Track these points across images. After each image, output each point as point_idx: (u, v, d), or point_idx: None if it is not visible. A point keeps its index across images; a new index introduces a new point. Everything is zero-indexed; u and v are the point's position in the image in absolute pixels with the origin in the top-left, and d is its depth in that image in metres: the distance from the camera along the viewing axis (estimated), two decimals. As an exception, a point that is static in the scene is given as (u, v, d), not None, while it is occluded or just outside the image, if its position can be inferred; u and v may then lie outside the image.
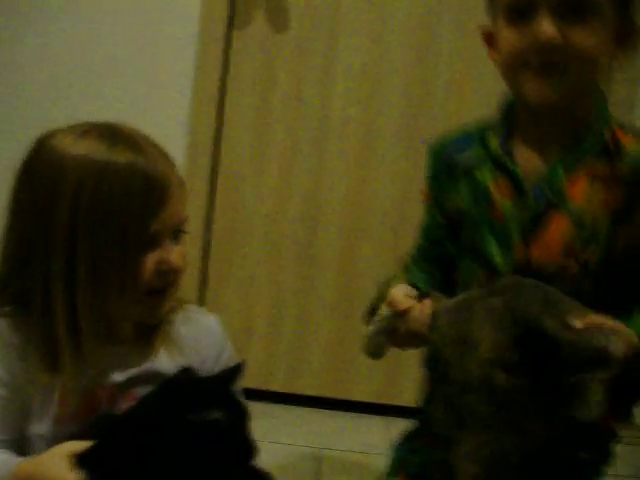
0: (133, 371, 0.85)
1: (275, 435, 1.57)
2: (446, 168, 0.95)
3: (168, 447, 0.74)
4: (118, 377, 0.84)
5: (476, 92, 1.68)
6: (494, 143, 0.90)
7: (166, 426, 0.74)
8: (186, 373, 0.81)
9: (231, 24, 1.75)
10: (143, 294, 0.82)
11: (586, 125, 0.86)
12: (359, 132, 1.78)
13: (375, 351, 0.88)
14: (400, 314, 0.84)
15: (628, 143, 0.85)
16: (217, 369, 0.89)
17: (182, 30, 1.74)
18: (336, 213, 1.80)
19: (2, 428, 0.81)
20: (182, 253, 0.85)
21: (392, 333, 0.85)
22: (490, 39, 0.90)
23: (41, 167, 0.81)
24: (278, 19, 1.76)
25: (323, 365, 1.82)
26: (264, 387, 1.74)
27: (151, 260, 0.81)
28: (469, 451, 0.78)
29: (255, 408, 0.83)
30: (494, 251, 0.89)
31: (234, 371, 0.83)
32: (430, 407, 0.86)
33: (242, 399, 0.83)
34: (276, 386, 1.77)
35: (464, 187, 0.93)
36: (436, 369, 0.83)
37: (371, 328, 0.88)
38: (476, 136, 0.94)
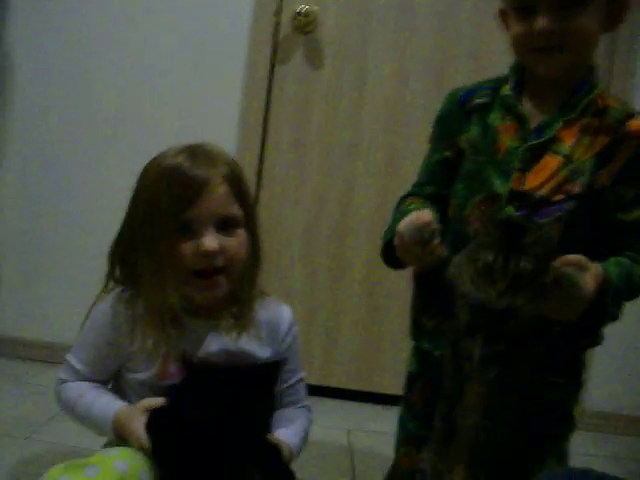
0: (224, 345, 1.00)
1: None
2: (460, 107, 1.03)
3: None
4: (212, 348, 0.99)
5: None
6: (506, 90, 1.00)
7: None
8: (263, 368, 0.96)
9: (273, 62, 1.92)
10: (190, 275, 0.96)
11: (580, 88, 0.96)
12: (385, 156, 1.92)
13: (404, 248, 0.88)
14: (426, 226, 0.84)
15: (611, 103, 0.96)
16: (284, 347, 1.06)
17: (232, 67, 1.93)
18: (364, 228, 1.93)
19: (102, 373, 1.03)
20: (234, 245, 0.97)
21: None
22: (504, 16, 1.00)
23: (141, 175, 1.02)
24: (314, 58, 1.93)
25: (352, 361, 1.97)
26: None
27: (189, 245, 0.94)
28: (470, 404, 0.84)
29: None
30: (494, 177, 0.96)
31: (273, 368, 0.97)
32: (443, 361, 0.89)
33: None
34: (312, 380, 1.92)
35: (475, 124, 1.01)
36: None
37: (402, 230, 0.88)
38: (490, 86, 1.03)
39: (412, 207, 1.00)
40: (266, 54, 1.91)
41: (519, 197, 0.94)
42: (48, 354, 1.95)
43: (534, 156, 0.95)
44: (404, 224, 0.87)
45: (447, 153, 1.05)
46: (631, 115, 0.95)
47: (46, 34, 1.96)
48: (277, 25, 1.91)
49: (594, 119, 0.95)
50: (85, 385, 1.02)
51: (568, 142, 0.94)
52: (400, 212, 1.01)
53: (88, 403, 0.99)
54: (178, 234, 0.95)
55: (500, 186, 0.96)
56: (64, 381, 1.04)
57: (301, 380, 1.11)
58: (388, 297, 1.94)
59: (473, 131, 1.01)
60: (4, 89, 1.98)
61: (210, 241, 0.94)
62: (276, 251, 1.94)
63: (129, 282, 1.03)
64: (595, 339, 0.96)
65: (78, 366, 1.02)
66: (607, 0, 0.93)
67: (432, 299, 0.94)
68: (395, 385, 1.93)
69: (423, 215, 0.86)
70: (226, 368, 0.97)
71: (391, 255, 0.95)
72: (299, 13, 1.88)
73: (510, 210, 0.94)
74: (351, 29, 1.93)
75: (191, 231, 0.95)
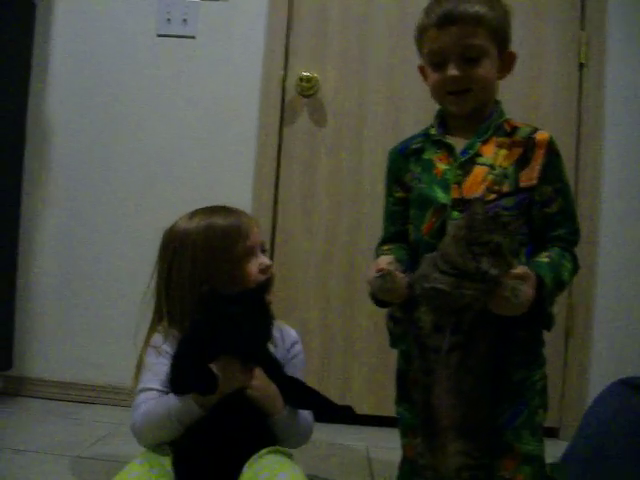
0: None
1: (333, 438, 1.86)
2: (401, 156, 1.28)
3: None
4: None
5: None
6: (434, 132, 1.25)
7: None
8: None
9: (282, 122, 2.16)
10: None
11: (489, 117, 1.21)
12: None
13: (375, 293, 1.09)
14: (384, 274, 1.05)
15: (520, 125, 1.21)
16: (289, 356, 1.31)
17: (245, 129, 2.16)
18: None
19: (162, 383, 1.19)
20: (268, 261, 1.29)
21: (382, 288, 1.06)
22: (423, 70, 1.27)
23: (171, 236, 1.28)
24: (317, 117, 2.16)
25: (367, 387, 2.10)
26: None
27: (254, 263, 1.26)
28: (442, 389, 1.01)
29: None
30: (438, 194, 1.18)
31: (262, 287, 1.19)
32: (412, 360, 1.10)
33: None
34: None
35: (414, 164, 1.25)
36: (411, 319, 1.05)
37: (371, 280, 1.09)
38: (421, 134, 1.28)
39: (379, 254, 1.24)
40: (275, 116, 2.14)
41: (460, 203, 1.16)
42: (90, 395, 2.15)
43: (465, 171, 1.18)
44: (368, 276, 1.11)
45: (398, 193, 1.29)
46: (535, 130, 1.19)
47: (81, 104, 2.22)
48: (283, 91, 2.16)
49: (506, 137, 1.19)
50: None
51: (488, 155, 1.18)
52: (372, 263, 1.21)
53: (167, 398, 1.15)
54: (244, 259, 1.24)
55: (444, 198, 1.18)
56: (140, 405, 1.16)
57: None
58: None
59: (414, 168, 1.25)
60: (43, 152, 2.22)
61: (265, 258, 1.29)
62: (292, 287, 2.12)
63: (172, 318, 1.25)
64: (545, 324, 1.16)
65: (154, 386, 1.17)
66: (497, 56, 1.19)
67: (398, 313, 1.13)
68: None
69: (378, 263, 1.10)
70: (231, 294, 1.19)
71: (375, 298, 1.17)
72: (302, 79, 2.13)
73: (455, 214, 1.15)
74: (348, 90, 2.16)
75: (249, 256, 1.25)
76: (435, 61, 1.20)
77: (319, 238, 2.16)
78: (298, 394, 1.21)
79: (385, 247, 1.29)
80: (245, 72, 2.19)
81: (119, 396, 2.12)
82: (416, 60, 2.30)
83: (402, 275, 1.07)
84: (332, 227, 2.16)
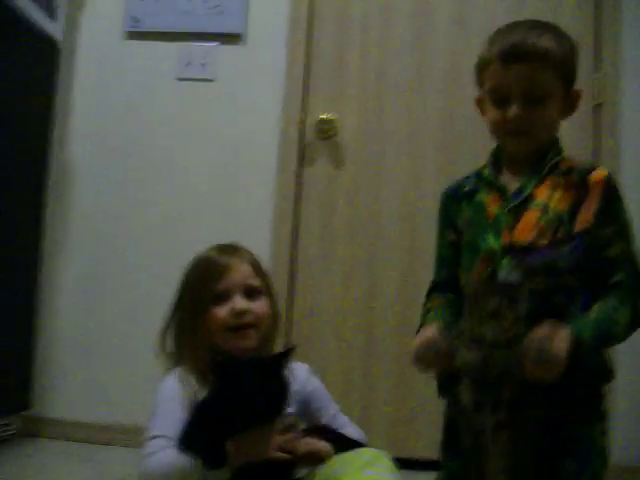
0: None
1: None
2: (453, 199, 1.24)
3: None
4: None
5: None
6: (487, 173, 1.19)
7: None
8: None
9: (301, 164, 2.18)
10: (227, 330, 1.19)
11: (545, 156, 1.13)
12: (403, 242, 2.12)
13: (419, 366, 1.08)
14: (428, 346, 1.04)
15: (575, 164, 1.13)
16: (305, 393, 1.26)
17: (265, 171, 2.18)
18: (390, 305, 2.12)
19: (174, 429, 1.14)
20: (259, 306, 1.22)
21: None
22: (481, 103, 1.19)
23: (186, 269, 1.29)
24: (336, 160, 2.18)
25: (387, 429, 2.10)
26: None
27: (224, 308, 1.19)
28: (493, 465, 0.97)
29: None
30: (490, 240, 1.12)
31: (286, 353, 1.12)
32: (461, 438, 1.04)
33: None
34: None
35: (466, 207, 1.20)
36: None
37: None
38: (473, 174, 1.23)
39: (429, 316, 1.20)
40: (294, 158, 2.17)
41: (511, 249, 1.10)
42: (109, 436, 2.15)
43: (517, 215, 1.12)
44: (415, 346, 1.08)
45: (450, 237, 1.24)
46: (593, 168, 1.13)
47: (101, 146, 2.26)
48: (302, 133, 2.18)
49: (561, 178, 1.12)
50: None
51: (541, 197, 1.11)
52: (420, 324, 1.20)
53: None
54: (212, 303, 1.20)
55: (494, 244, 1.12)
56: (154, 453, 1.11)
57: (339, 411, 1.30)
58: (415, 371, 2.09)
59: (466, 212, 1.20)
60: (64, 196, 2.26)
61: (240, 302, 1.21)
62: (312, 331, 2.12)
63: (177, 353, 1.25)
64: (600, 376, 1.09)
65: (164, 432, 1.13)
66: (564, 95, 1.13)
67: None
68: (429, 450, 2.05)
69: (426, 333, 1.07)
70: (246, 360, 1.15)
71: None
72: (321, 121, 2.16)
73: (506, 262, 1.09)
74: (367, 132, 2.19)
75: (224, 299, 1.20)
76: (497, 97, 1.14)
77: (337, 281, 2.17)
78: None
79: (435, 301, 1.24)
80: (264, 114, 2.21)
81: (139, 437, 2.11)
82: (434, 103, 2.32)
83: (446, 345, 1.04)
84: (350, 270, 2.17)
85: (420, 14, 2.22)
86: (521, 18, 1.20)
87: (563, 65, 1.12)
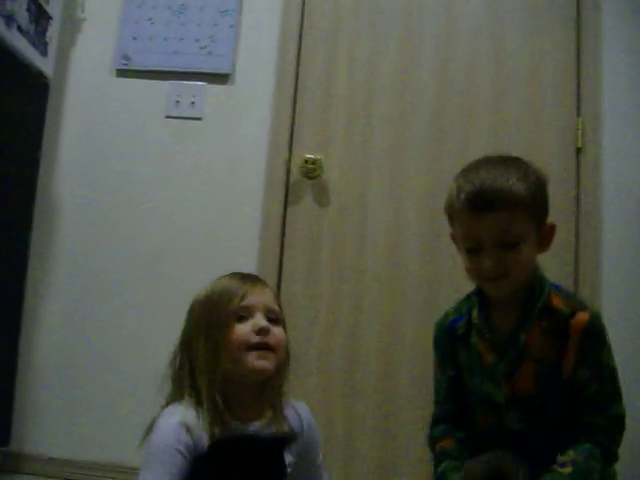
0: (261, 430, 1.17)
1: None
2: (449, 337, 1.24)
3: None
4: (252, 430, 1.16)
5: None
6: (476, 317, 1.19)
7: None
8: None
9: (287, 203, 2.19)
10: (247, 349, 1.14)
11: (531, 295, 1.14)
12: (387, 280, 2.13)
13: None
14: None
15: (560, 307, 1.13)
16: (304, 439, 1.24)
17: (250, 210, 2.19)
18: (374, 346, 2.11)
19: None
20: (279, 332, 1.19)
21: None
22: (455, 238, 1.18)
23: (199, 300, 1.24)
24: (321, 199, 2.19)
25: (370, 469, 2.07)
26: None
27: (247, 325, 1.15)
28: None
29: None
30: (490, 389, 1.16)
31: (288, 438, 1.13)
32: None
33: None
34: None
35: (462, 350, 1.21)
36: None
37: None
38: (465, 313, 1.23)
39: (445, 467, 1.20)
40: (279, 197, 2.18)
41: (514, 401, 1.14)
42: (89, 473, 2.12)
43: (513, 366, 1.15)
44: None
45: (451, 372, 1.25)
46: (574, 312, 1.13)
47: (89, 182, 2.27)
48: (288, 172, 2.21)
49: (549, 321, 1.13)
50: None
51: (535, 346, 1.13)
52: (435, 467, 1.22)
53: None
54: (236, 321, 1.16)
55: (497, 396, 1.16)
56: None
57: (322, 462, 1.30)
58: (402, 407, 2.07)
59: (463, 355, 1.22)
60: (50, 228, 2.26)
61: (262, 320, 1.17)
62: (294, 368, 2.10)
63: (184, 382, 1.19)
64: None
65: None
66: (536, 233, 1.12)
67: None
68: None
69: None
70: (242, 438, 1.13)
71: None
72: (307, 161, 2.18)
73: (512, 414, 1.14)
74: (352, 172, 2.21)
75: (246, 318, 1.17)
76: (469, 247, 1.12)
77: (321, 320, 2.16)
78: None
79: (446, 441, 1.24)
80: (250, 153, 2.23)
81: (121, 475, 2.10)
82: (417, 140, 2.30)
83: None
84: (334, 309, 2.16)
85: (406, 58, 2.26)
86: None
87: (533, 206, 1.10)
